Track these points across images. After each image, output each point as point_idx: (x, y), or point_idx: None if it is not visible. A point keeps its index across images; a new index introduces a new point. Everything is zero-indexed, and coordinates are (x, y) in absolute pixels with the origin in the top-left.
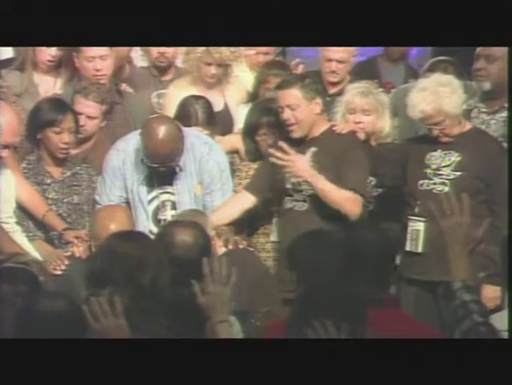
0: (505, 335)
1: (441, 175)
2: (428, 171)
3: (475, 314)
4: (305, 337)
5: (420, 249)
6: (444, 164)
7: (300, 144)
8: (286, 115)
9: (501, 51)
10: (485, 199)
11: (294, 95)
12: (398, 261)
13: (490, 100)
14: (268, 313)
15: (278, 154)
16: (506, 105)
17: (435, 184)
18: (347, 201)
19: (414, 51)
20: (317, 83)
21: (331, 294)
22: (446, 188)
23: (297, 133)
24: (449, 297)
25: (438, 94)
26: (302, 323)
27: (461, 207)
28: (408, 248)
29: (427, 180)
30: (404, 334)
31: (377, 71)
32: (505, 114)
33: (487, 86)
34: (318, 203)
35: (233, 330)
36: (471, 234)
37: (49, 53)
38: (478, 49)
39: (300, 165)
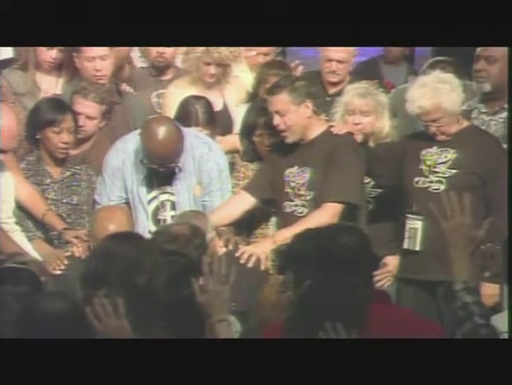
0: (506, 336)
1: (437, 172)
2: (424, 168)
3: (476, 315)
4: (303, 337)
5: (417, 247)
6: (440, 161)
7: (296, 149)
8: (276, 121)
9: (501, 52)
10: (482, 196)
11: (282, 101)
12: (396, 259)
13: (490, 101)
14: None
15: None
16: (506, 106)
17: (431, 182)
18: (321, 221)
19: (415, 52)
20: (308, 86)
21: (327, 294)
22: (442, 187)
23: (290, 138)
24: (450, 299)
25: (437, 90)
26: (301, 324)
27: (462, 207)
28: (405, 246)
29: (422, 178)
30: (397, 329)
31: (379, 71)
32: (505, 115)
33: (487, 87)
34: (317, 207)
35: (233, 329)
36: (472, 235)
37: (50, 55)
38: (478, 50)
39: (259, 250)
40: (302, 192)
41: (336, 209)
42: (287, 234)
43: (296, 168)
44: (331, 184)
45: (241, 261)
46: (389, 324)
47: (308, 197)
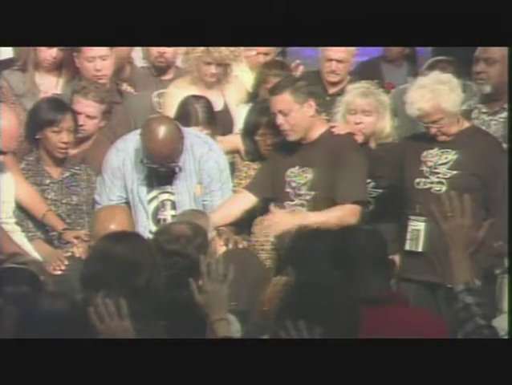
0: (506, 336)
1: (438, 173)
2: (425, 169)
3: (478, 316)
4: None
5: (420, 249)
6: (440, 162)
7: (298, 149)
8: (279, 120)
9: (500, 53)
10: (483, 197)
11: (285, 100)
12: (396, 260)
13: (490, 102)
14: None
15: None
16: (506, 106)
17: (432, 183)
18: (343, 218)
19: (416, 52)
20: (310, 85)
21: (321, 295)
22: (444, 188)
23: (292, 137)
24: (451, 300)
25: (436, 92)
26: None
27: (463, 208)
28: (407, 247)
29: (423, 179)
30: (410, 331)
31: (379, 72)
32: (505, 115)
33: (487, 89)
34: (316, 207)
35: (232, 328)
36: (472, 236)
37: (50, 53)
38: (477, 52)
39: (284, 221)
40: (302, 192)
41: (357, 210)
42: (311, 220)
43: (297, 167)
44: (343, 185)
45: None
46: (401, 325)
47: (308, 197)
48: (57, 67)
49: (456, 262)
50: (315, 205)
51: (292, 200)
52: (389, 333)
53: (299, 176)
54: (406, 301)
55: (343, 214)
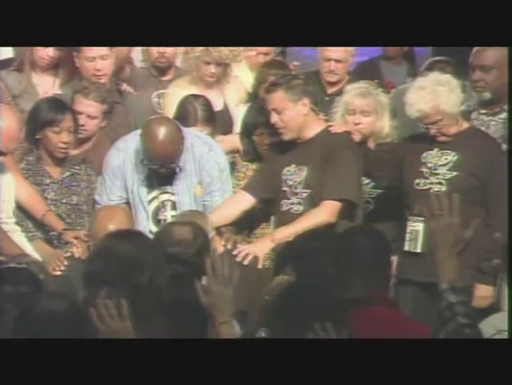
0: (505, 335)
1: (437, 174)
2: (425, 170)
3: (459, 315)
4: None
5: (419, 249)
6: (440, 163)
7: (294, 147)
8: (273, 118)
9: (494, 58)
10: (481, 198)
11: (278, 98)
12: (394, 261)
13: (490, 105)
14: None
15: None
16: (506, 107)
17: (432, 183)
18: (320, 219)
19: (415, 51)
20: (306, 84)
21: (315, 295)
22: (443, 188)
23: (286, 136)
24: (436, 299)
25: (436, 93)
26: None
27: (451, 207)
28: (406, 248)
29: (423, 180)
30: (393, 334)
31: (379, 72)
32: (504, 115)
33: (487, 96)
34: (313, 205)
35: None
36: (460, 235)
37: (46, 53)
38: (471, 60)
39: (257, 249)
40: (298, 190)
41: (335, 207)
42: (286, 232)
43: (293, 166)
44: (329, 182)
45: (237, 260)
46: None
47: (304, 195)
48: (53, 67)
49: (442, 261)
50: (312, 204)
51: (289, 199)
52: (373, 334)
53: (295, 175)
54: (392, 302)
55: (317, 215)
